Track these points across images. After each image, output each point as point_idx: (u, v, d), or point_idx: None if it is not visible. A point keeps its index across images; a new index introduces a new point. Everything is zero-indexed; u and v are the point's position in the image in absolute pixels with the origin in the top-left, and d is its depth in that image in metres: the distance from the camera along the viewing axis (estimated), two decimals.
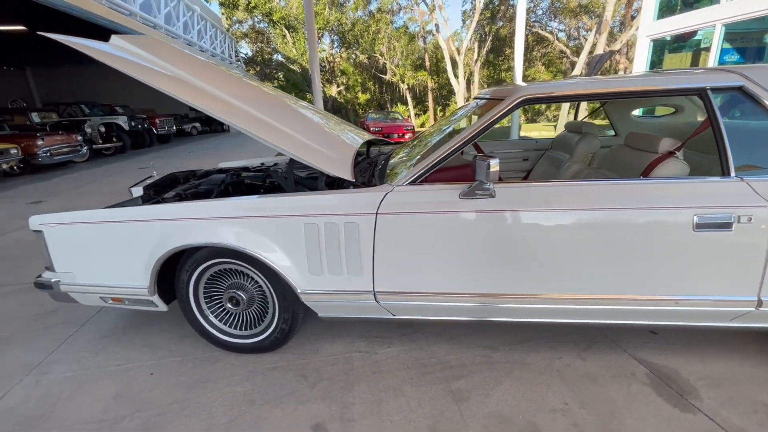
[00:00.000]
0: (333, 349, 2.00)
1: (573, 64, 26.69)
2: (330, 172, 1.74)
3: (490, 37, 23.06)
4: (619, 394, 1.61)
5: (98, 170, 8.90)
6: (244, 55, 25.36)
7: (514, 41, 7.94)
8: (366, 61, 25.62)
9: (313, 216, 1.65)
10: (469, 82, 23.41)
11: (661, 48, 8.47)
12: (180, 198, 2.18)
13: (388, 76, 25.89)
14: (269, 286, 1.82)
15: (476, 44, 22.99)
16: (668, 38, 8.33)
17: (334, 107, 25.95)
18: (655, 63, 8.52)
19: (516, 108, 1.64)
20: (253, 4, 22.77)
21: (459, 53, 20.86)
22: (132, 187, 2.53)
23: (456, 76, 21.00)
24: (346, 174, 1.75)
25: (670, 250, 1.51)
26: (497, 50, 25.64)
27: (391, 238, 1.62)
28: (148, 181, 2.64)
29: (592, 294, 1.60)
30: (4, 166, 7.63)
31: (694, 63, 7.68)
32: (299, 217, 1.66)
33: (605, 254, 1.54)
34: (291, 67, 25.12)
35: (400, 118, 14.67)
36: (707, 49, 7.50)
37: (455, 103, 25.10)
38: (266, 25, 24.77)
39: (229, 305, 1.92)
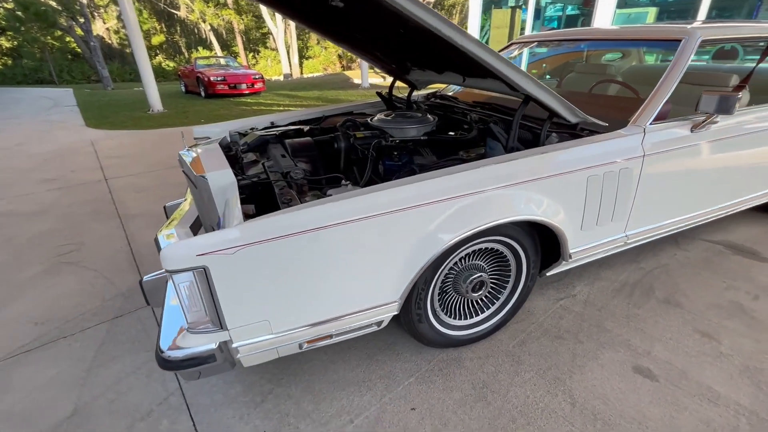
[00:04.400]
0: (539, 306, 1.94)
1: None
2: (582, 117, 1.58)
3: None
4: (732, 263, 2.25)
5: None
6: None
7: None
8: None
9: (595, 167, 1.51)
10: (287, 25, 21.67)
11: (488, 3, 10.02)
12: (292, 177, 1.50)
13: (182, 13, 21.12)
14: (526, 257, 1.59)
15: None
16: None
17: (104, 52, 19.44)
18: (485, 18, 10.06)
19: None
20: None
21: None
22: (207, 174, 1.54)
23: (273, 16, 19.07)
24: (588, 118, 1.63)
25: None
26: None
27: (650, 178, 1.66)
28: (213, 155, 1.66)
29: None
30: None
31: (512, 20, 9.50)
32: (583, 170, 1.49)
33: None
34: None
35: (237, 64, 12.57)
36: (519, 7, 9.39)
37: (271, 48, 23.05)
38: None
39: (473, 293, 1.58)
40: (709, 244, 2.48)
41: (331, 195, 1.29)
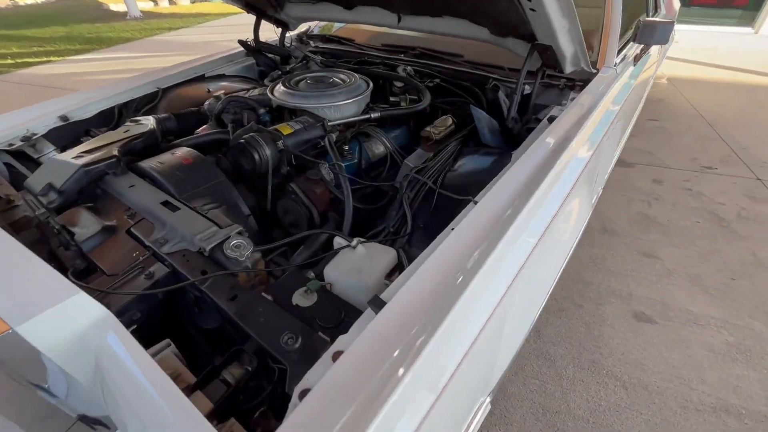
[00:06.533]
0: None
1: None
2: (585, 64, 1.27)
3: None
4: (614, 174, 2.58)
5: None
6: None
7: None
8: None
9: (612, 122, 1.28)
10: None
11: None
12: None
13: None
14: None
15: None
16: None
17: None
18: None
19: None
20: None
21: None
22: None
23: None
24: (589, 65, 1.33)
25: None
26: None
27: (622, 119, 1.55)
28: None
29: None
30: None
31: None
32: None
33: None
34: None
35: None
36: None
37: None
38: None
39: None
40: None
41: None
